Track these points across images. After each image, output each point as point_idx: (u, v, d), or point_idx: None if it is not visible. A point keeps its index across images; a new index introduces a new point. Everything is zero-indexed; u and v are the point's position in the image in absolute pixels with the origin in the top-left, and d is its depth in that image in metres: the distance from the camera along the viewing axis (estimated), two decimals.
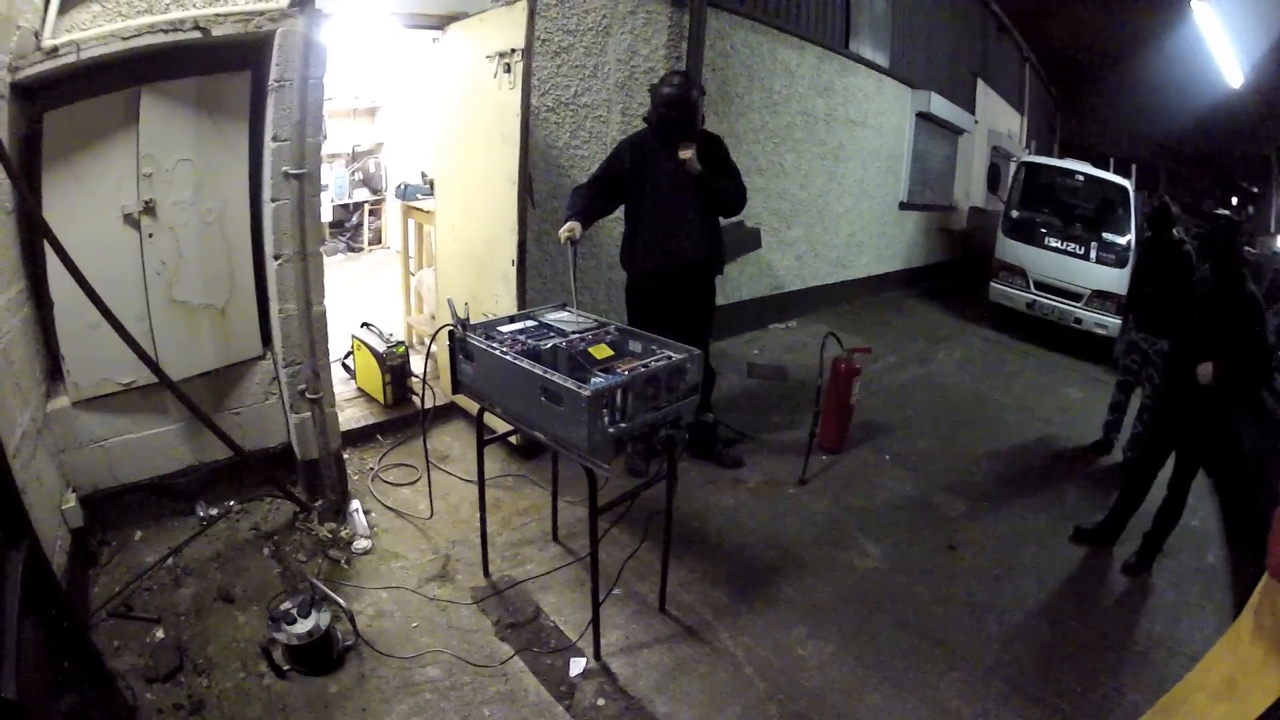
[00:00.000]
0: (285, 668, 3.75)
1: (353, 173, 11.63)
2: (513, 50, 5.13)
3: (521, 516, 5.29)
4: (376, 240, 12.14)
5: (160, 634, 3.89)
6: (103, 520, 4.54)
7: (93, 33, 3.93)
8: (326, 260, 5.39)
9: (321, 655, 3.80)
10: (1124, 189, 11.47)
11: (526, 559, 4.86)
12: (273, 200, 4.63)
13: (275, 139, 4.54)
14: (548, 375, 3.48)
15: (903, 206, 14.04)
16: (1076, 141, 22.74)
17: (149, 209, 4.36)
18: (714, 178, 5.37)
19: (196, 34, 4.18)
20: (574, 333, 4.11)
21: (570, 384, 3.37)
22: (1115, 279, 10.86)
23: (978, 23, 16.73)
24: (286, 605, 3.80)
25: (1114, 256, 11.08)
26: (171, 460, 4.84)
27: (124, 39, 3.98)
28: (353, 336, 6.62)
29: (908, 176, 14.01)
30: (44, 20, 3.83)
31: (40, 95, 4.00)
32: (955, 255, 16.85)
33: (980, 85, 16.96)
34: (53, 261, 3.89)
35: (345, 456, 5.46)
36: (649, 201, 5.41)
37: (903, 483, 6.38)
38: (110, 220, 4.27)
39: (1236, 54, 12.66)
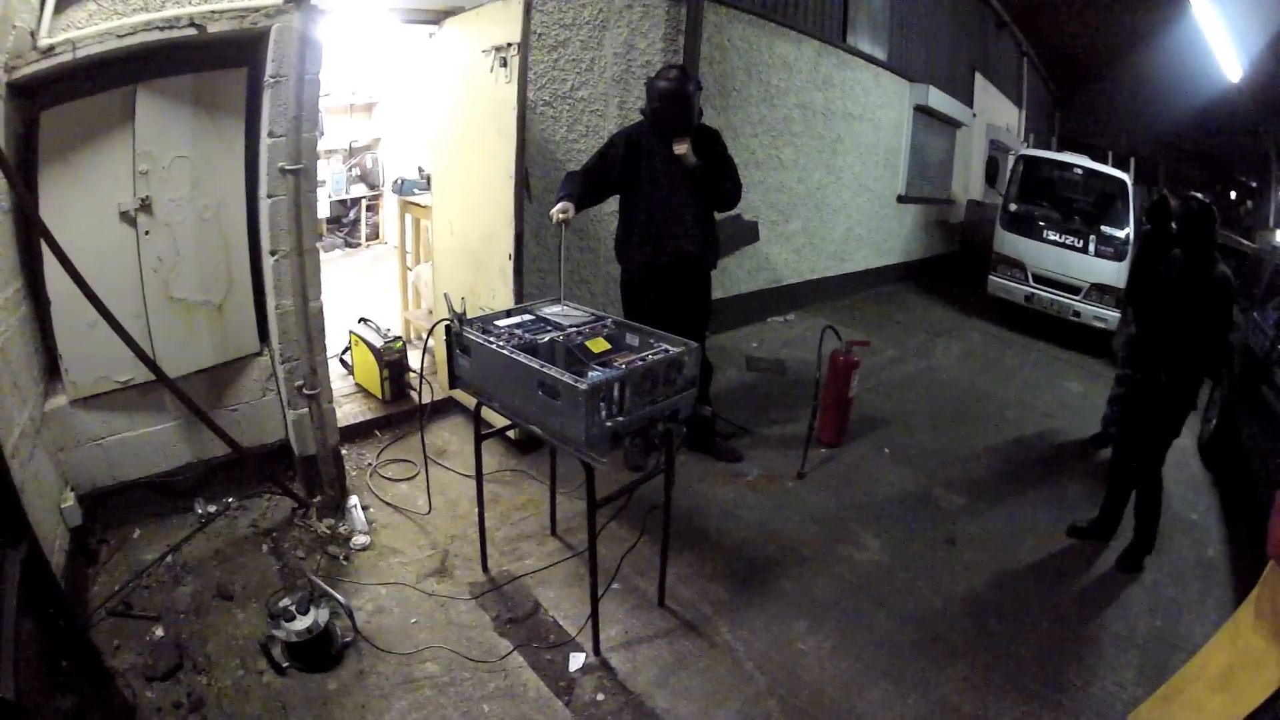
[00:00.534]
0: (284, 665, 3.75)
1: (350, 168, 11.62)
2: (509, 44, 5.12)
3: (520, 511, 5.29)
4: (374, 236, 12.13)
5: (159, 632, 3.88)
6: (101, 518, 4.54)
7: (88, 31, 3.92)
8: (324, 256, 5.40)
9: (321, 652, 3.80)
10: (1123, 182, 11.46)
11: (525, 554, 4.86)
12: (269, 196, 4.62)
13: (271, 135, 4.53)
14: (545, 369, 3.48)
15: (901, 200, 14.03)
16: (1075, 135, 22.75)
17: (145, 206, 4.35)
18: (710, 172, 5.36)
19: (192, 31, 4.17)
20: (571, 326, 4.11)
21: (567, 378, 3.37)
22: (1114, 272, 10.85)
23: (976, 16, 16.72)
24: (285, 602, 3.80)
25: (1113, 250, 11.08)
26: (170, 458, 4.84)
27: (120, 37, 3.97)
28: (350, 332, 6.62)
29: (906, 170, 13.99)
30: (40, 19, 3.82)
31: (37, 94, 4.00)
32: (953, 249, 16.86)
33: (979, 79, 16.95)
34: (50, 260, 3.89)
35: (343, 452, 5.46)
36: (644, 195, 5.40)
37: (902, 477, 6.39)
38: (107, 218, 4.27)
39: (1235, 48, 12.66)
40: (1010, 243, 12.08)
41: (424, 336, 6.79)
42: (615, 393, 3.47)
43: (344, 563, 4.63)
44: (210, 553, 4.58)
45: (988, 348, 11.07)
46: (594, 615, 4.01)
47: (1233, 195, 21.24)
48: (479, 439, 4.36)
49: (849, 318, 11.07)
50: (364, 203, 11.87)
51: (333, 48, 5.25)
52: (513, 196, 5.24)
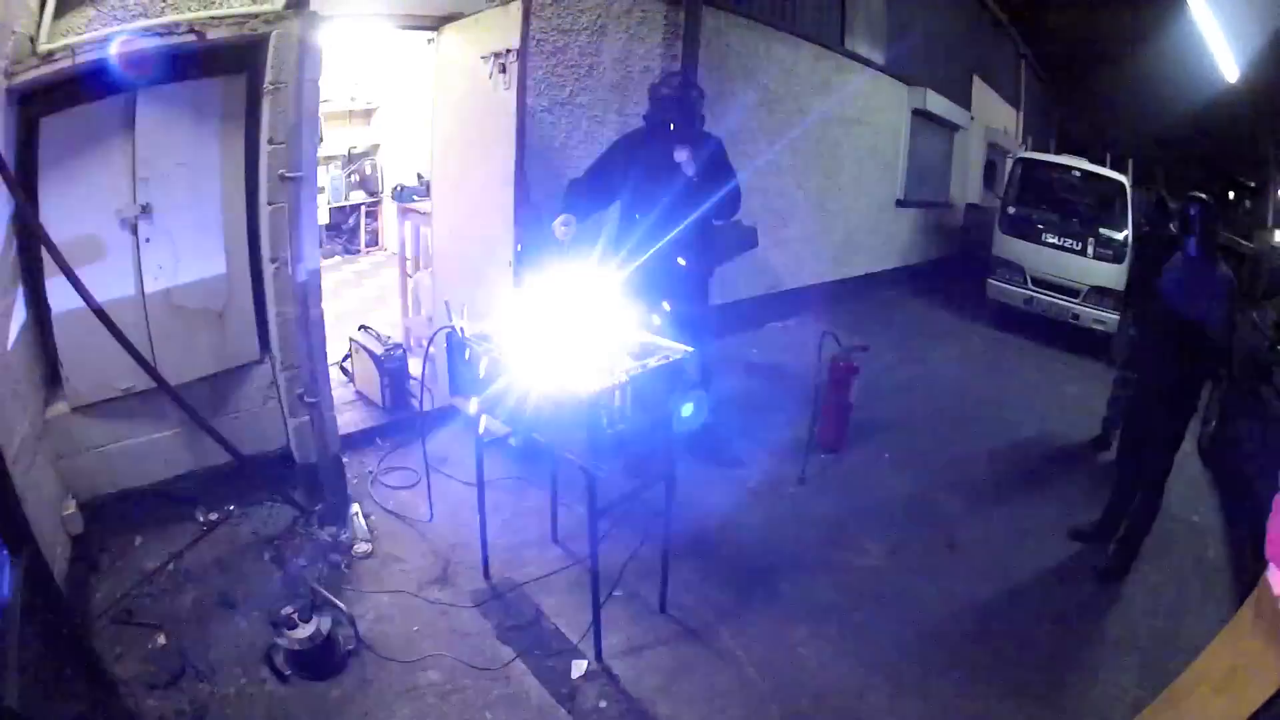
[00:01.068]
0: (287, 673, 3.75)
1: (349, 175, 11.60)
2: (508, 50, 5.12)
3: (521, 519, 5.29)
4: (373, 242, 12.11)
5: (162, 640, 3.88)
6: (103, 526, 4.52)
7: (88, 37, 3.92)
8: (323, 263, 5.39)
9: (323, 660, 3.80)
10: (1121, 184, 11.45)
11: (527, 561, 4.86)
12: (269, 204, 4.63)
13: (271, 142, 4.54)
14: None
15: (899, 204, 14.03)
16: (1073, 137, 22.75)
17: (146, 213, 4.36)
18: (710, 181, 5.36)
19: (191, 38, 4.18)
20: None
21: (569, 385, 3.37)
22: (1113, 274, 10.84)
23: (974, 19, 16.73)
24: (288, 610, 3.79)
25: (1111, 252, 11.06)
26: (171, 465, 4.84)
27: (119, 43, 3.98)
28: (350, 339, 6.61)
29: (904, 174, 13.99)
30: (39, 25, 3.82)
31: (36, 100, 4.00)
32: (952, 252, 16.85)
33: (976, 82, 16.96)
34: (50, 267, 3.89)
35: (344, 460, 5.45)
36: (643, 201, 5.40)
37: (902, 481, 6.39)
38: (107, 225, 4.27)
39: (1232, 49, 12.67)
40: (1009, 246, 12.06)
41: (424, 344, 6.78)
42: (616, 400, 3.47)
43: (346, 570, 4.63)
44: (212, 561, 4.58)
45: (987, 351, 11.07)
46: (596, 622, 4.02)
47: (1231, 195, 21.23)
48: (480, 446, 4.36)
49: (848, 323, 11.03)
50: (363, 209, 11.86)
51: (331, 54, 5.25)
52: (512, 203, 5.24)
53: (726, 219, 5.90)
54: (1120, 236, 11.09)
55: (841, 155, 11.72)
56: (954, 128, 15.73)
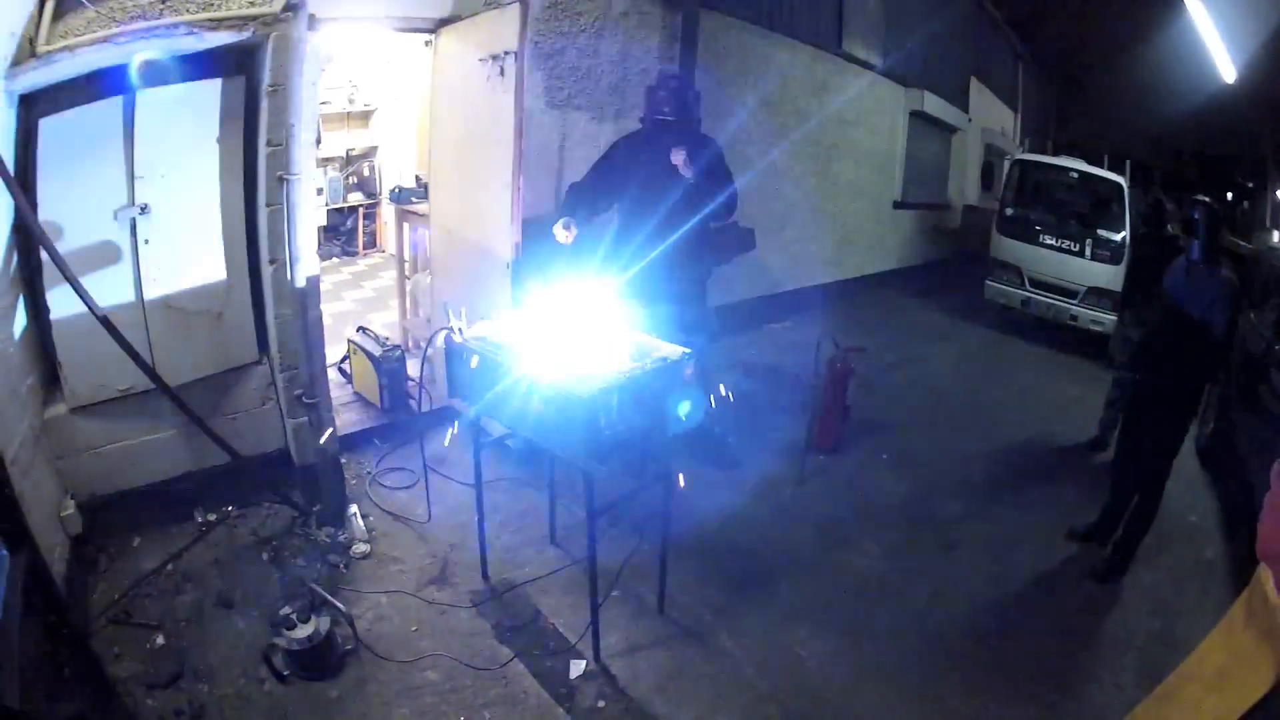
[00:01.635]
0: (286, 673, 3.75)
1: (347, 176, 11.62)
2: (506, 52, 5.13)
3: (519, 519, 5.29)
4: (371, 244, 12.12)
5: (160, 640, 3.89)
6: (101, 527, 4.53)
7: (87, 39, 3.93)
8: (321, 264, 5.40)
9: (322, 660, 3.80)
10: (1118, 185, 11.43)
11: (525, 561, 4.86)
12: (267, 205, 4.64)
13: (269, 144, 4.55)
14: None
15: (897, 206, 14.04)
16: (1071, 138, 22.77)
17: (144, 214, 4.36)
18: (706, 181, 5.36)
19: (190, 39, 4.19)
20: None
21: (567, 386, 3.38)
22: (1111, 275, 10.83)
23: (971, 21, 16.73)
24: (286, 610, 3.80)
25: (1109, 253, 11.05)
26: (169, 466, 4.85)
27: (118, 44, 3.99)
28: (349, 340, 6.62)
29: (902, 175, 14.00)
30: (38, 26, 3.83)
31: (35, 101, 4.01)
32: (950, 254, 16.85)
33: (974, 83, 16.96)
34: (49, 268, 3.90)
35: (343, 461, 5.46)
36: (641, 203, 5.41)
37: (900, 482, 6.39)
38: (106, 226, 4.28)
39: (1229, 50, 12.68)
40: (1006, 247, 12.05)
41: (422, 345, 6.79)
42: (614, 401, 3.48)
43: (344, 571, 4.64)
44: (210, 561, 4.58)
45: (985, 352, 11.06)
46: (594, 622, 4.02)
47: (1229, 196, 21.25)
48: (478, 447, 4.37)
49: (846, 324, 11.03)
50: (361, 211, 11.87)
51: (330, 56, 5.25)
52: (510, 205, 5.24)
53: (724, 221, 5.90)
54: (1118, 238, 11.08)
55: (839, 157, 11.73)
56: (951, 129, 15.75)
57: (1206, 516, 6.31)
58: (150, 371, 4.26)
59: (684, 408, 3.87)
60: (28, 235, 4.01)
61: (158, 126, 4.33)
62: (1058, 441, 7.69)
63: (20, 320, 4.09)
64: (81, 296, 3.87)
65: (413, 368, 6.50)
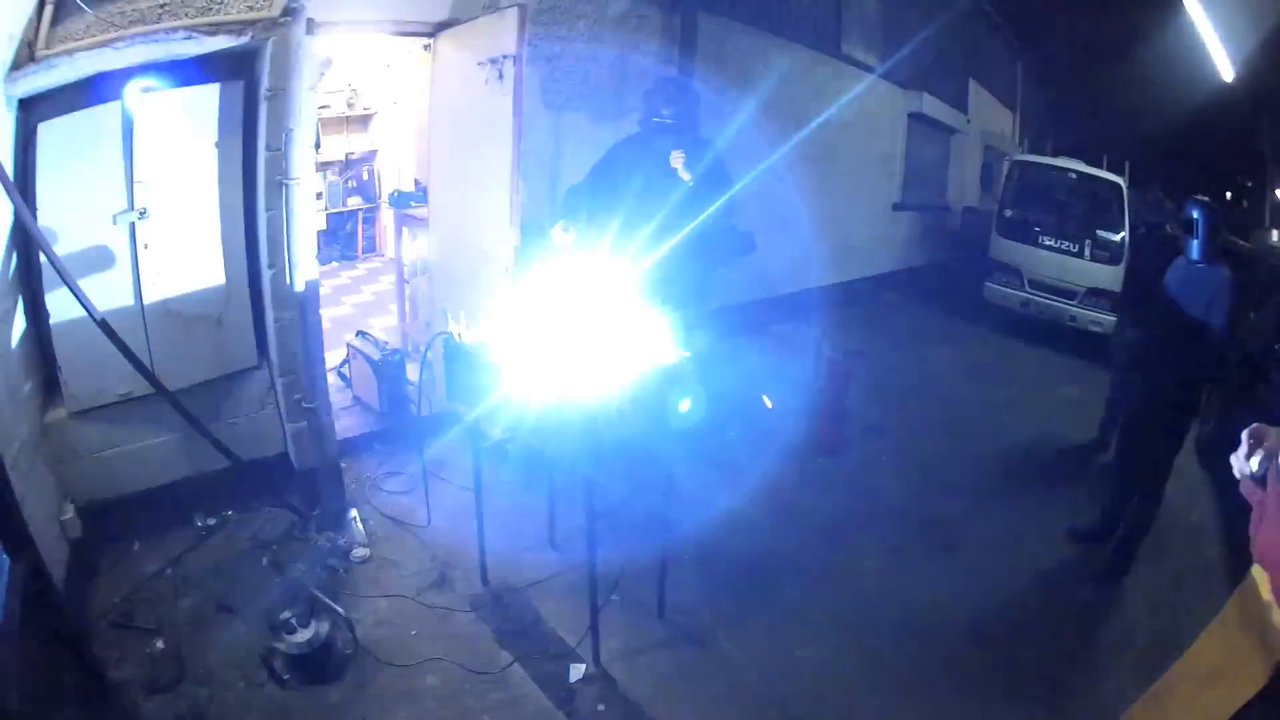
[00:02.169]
0: (286, 677, 3.76)
1: (346, 181, 11.61)
2: (504, 56, 5.13)
3: (519, 523, 5.28)
4: (371, 248, 12.11)
5: (160, 644, 3.88)
6: (101, 531, 4.53)
7: (86, 43, 3.93)
8: (321, 269, 5.40)
9: (322, 664, 3.81)
10: (1117, 186, 11.43)
11: (525, 566, 4.86)
12: (266, 210, 4.64)
13: (268, 148, 4.55)
14: None
15: (896, 208, 14.00)
16: (1070, 139, 22.77)
17: (144, 219, 4.36)
18: (706, 184, 5.34)
19: (189, 44, 4.19)
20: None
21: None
22: (1110, 276, 10.81)
23: (970, 22, 16.73)
24: (286, 614, 3.80)
25: (1108, 254, 11.04)
26: (169, 470, 4.84)
27: (117, 49, 3.99)
28: (348, 345, 6.62)
29: (901, 177, 13.97)
30: (38, 31, 3.83)
31: (35, 106, 4.01)
32: (950, 256, 16.83)
33: (972, 85, 16.95)
34: (48, 272, 3.90)
35: (342, 465, 5.46)
36: (640, 206, 5.40)
37: (900, 484, 6.38)
38: (105, 231, 4.28)
39: (1228, 49, 12.68)
40: (1006, 248, 12.04)
41: (422, 349, 6.79)
42: (614, 405, 3.48)
43: (344, 575, 4.64)
44: (210, 565, 4.59)
45: (984, 354, 11.05)
46: (594, 626, 4.03)
47: (1228, 196, 21.25)
48: (478, 451, 4.37)
49: (846, 326, 11.03)
50: (361, 215, 11.87)
51: (329, 60, 5.26)
52: (509, 208, 5.24)
53: (723, 224, 5.90)
54: (1117, 238, 11.07)
55: (838, 159, 11.71)
56: (950, 131, 15.73)
57: (1206, 516, 6.30)
58: (150, 376, 4.26)
59: (683, 402, 3.87)
60: (27, 239, 4.01)
61: (157, 131, 4.33)
62: (1057, 442, 7.68)
63: (20, 325, 4.09)
64: (80, 301, 3.87)
65: (412, 372, 6.50)
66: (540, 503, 5.24)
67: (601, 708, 3.82)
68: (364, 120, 11.65)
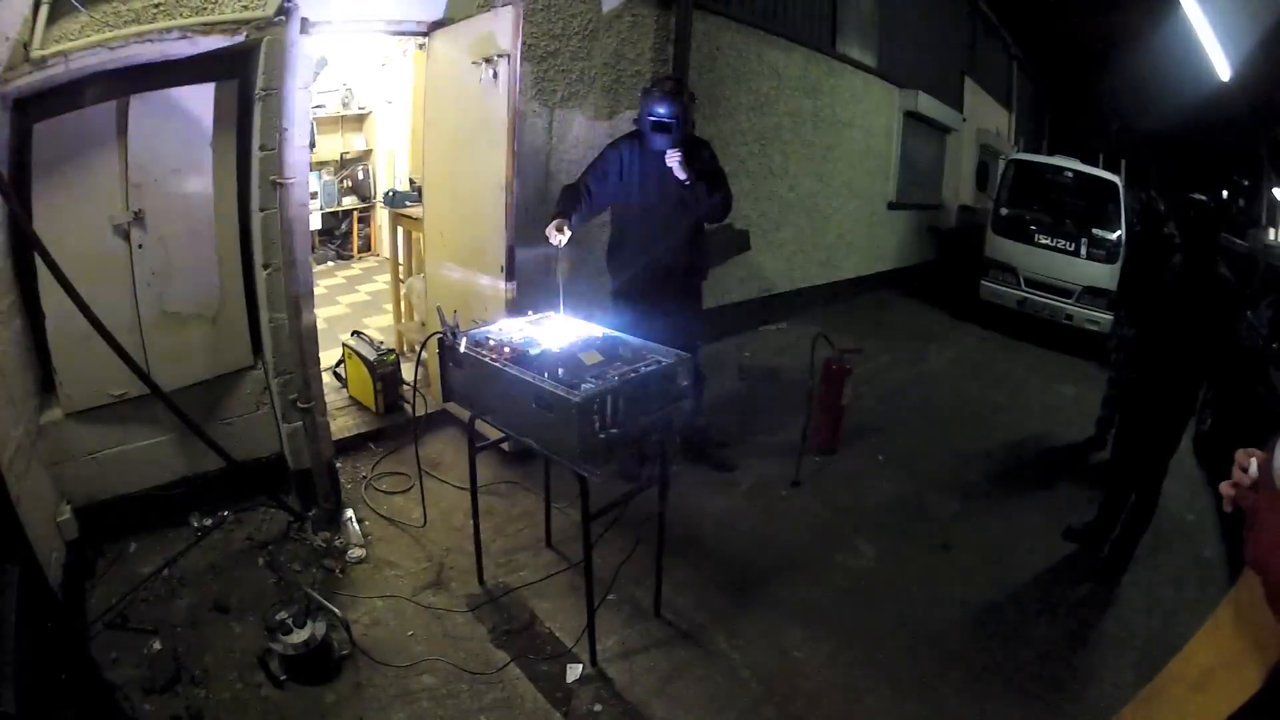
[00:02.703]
0: (282, 677, 3.75)
1: (341, 180, 11.62)
2: (499, 55, 5.12)
3: (515, 523, 5.29)
4: (366, 248, 12.13)
5: (157, 645, 3.88)
6: (98, 532, 4.53)
7: (81, 43, 3.93)
8: (316, 268, 5.40)
9: (318, 665, 3.80)
10: (1113, 184, 11.46)
11: (521, 565, 4.86)
12: (261, 209, 4.64)
13: (263, 148, 4.55)
14: (538, 382, 3.48)
15: (891, 206, 14.03)
16: (1065, 137, 22.79)
17: (139, 219, 4.36)
18: (701, 184, 5.35)
19: (184, 44, 4.19)
20: (564, 339, 4.11)
21: (560, 390, 3.37)
22: (1106, 275, 10.85)
23: (965, 21, 16.76)
24: (282, 615, 3.79)
25: (1104, 252, 11.07)
26: (165, 471, 4.84)
27: (112, 49, 3.98)
28: (343, 345, 6.62)
29: (896, 176, 14.00)
30: (33, 31, 3.82)
31: (29, 106, 4.00)
32: (945, 254, 16.85)
33: (968, 83, 16.99)
34: (44, 274, 3.89)
35: (338, 465, 5.46)
36: (636, 206, 5.41)
37: (896, 483, 6.39)
38: (100, 231, 4.27)
39: (1224, 48, 12.69)
40: (1001, 247, 12.06)
41: (417, 349, 6.79)
42: (608, 405, 3.47)
43: (340, 575, 4.63)
44: (206, 566, 4.58)
45: (981, 352, 11.07)
46: (590, 626, 4.02)
47: (1225, 194, 21.29)
48: (473, 451, 4.37)
49: (841, 325, 11.03)
50: (356, 215, 11.88)
51: (324, 60, 5.25)
52: (504, 207, 5.24)
53: (718, 222, 5.91)
54: (1113, 237, 11.11)
55: (833, 158, 11.73)
56: (946, 129, 15.75)
57: (1204, 515, 6.32)
58: (145, 377, 4.26)
59: (679, 411, 3.87)
60: (22, 241, 4.00)
61: (151, 131, 4.32)
62: (1054, 441, 7.70)
63: (15, 326, 4.08)
64: (76, 302, 3.86)
65: (407, 371, 6.51)
66: (536, 502, 5.24)
67: (598, 708, 3.82)
68: (359, 120, 11.68)
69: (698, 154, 5.41)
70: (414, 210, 7.42)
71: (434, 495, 5.43)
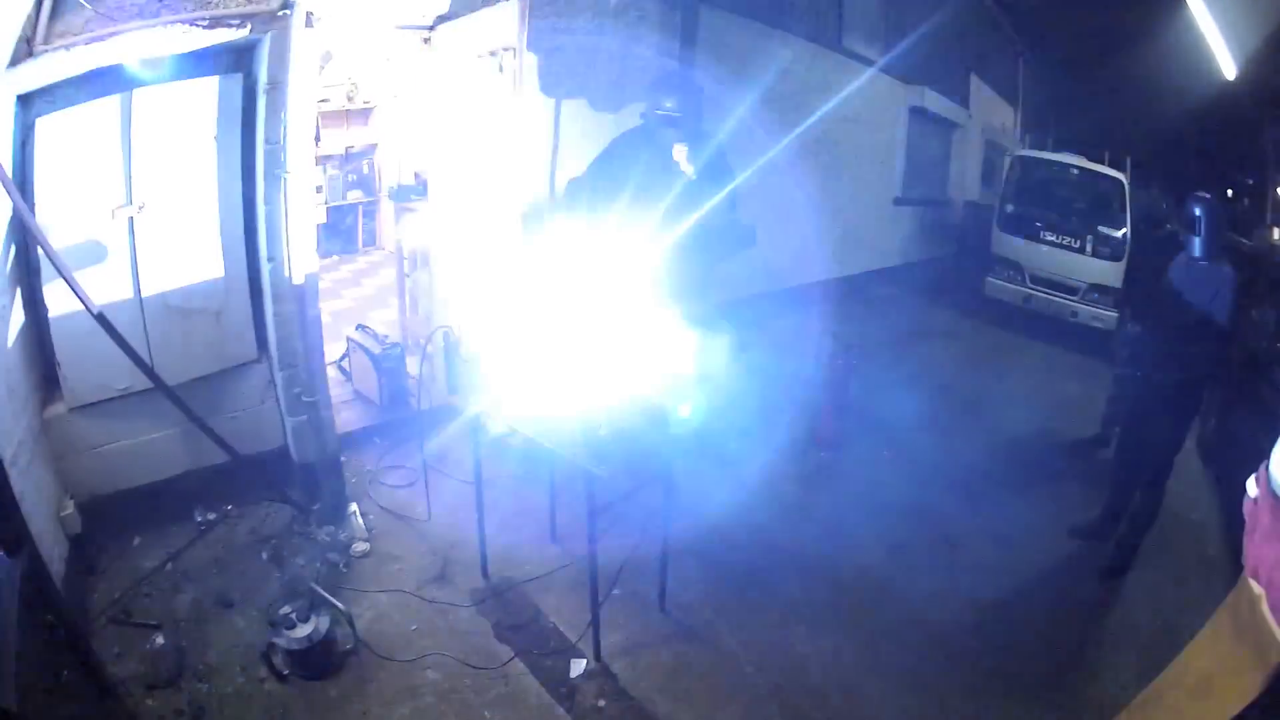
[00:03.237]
0: (286, 672, 3.75)
1: (346, 174, 11.61)
2: (505, 49, 5.11)
3: (520, 518, 5.27)
4: (371, 242, 12.12)
5: (160, 640, 3.88)
6: (101, 526, 4.53)
7: (85, 38, 3.92)
8: (321, 262, 5.39)
9: (322, 659, 3.80)
10: (1119, 182, 11.41)
11: (525, 560, 4.85)
12: (265, 203, 4.63)
13: (267, 141, 4.54)
14: None
15: (897, 202, 13.98)
16: (1071, 134, 22.74)
17: (142, 213, 4.35)
18: (707, 177, 5.33)
19: (187, 37, 4.18)
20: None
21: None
22: (1111, 272, 10.80)
23: (971, 17, 16.70)
24: (286, 609, 3.79)
25: (1110, 249, 11.02)
26: (168, 465, 4.84)
27: (115, 43, 3.98)
28: (348, 338, 6.61)
29: (902, 172, 13.95)
30: (36, 26, 3.82)
31: (33, 100, 4.00)
32: (951, 251, 16.81)
33: (974, 80, 16.92)
34: (47, 267, 3.89)
35: (342, 459, 5.45)
36: (643, 200, 5.39)
37: (901, 479, 6.37)
38: (103, 225, 4.27)
39: (1230, 46, 12.66)
40: (1007, 244, 12.02)
41: (422, 343, 6.78)
42: (615, 401, 3.47)
43: (344, 570, 4.63)
44: (210, 560, 4.58)
45: (986, 349, 11.04)
46: (595, 621, 4.02)
47: (1230, 193, 21.23)
48: (478, 445, 4.36)
49: (847, 321, 11.03)
50: (361, 209, 11.87)
51: (329, 54, 5.24)
52: (510, 201, 5.23)
53: (724, 217, 5.89)
54: (1119, 234, 11.05)
55: (839, 154, 11.69)
56: (952, 126, 15.70)
57: (1208, 514, 6.28)
58: (149, 370, 4.25)
59: (684, 407, 3.86)
60: (25, 234, 4.00)
61: (155, 125, 4.32)
62: (1059, 439, 7.67)
63: (18, 320, 4.08)
64: (78, 295, 3.86)
65: (412, 365, 6.49)
66: (541, 497, 5.23)
67: (602, 703, 3.81)
68: (364, 114, 11.65)
69: (704, 147, 5.39)
70: (420, 204, 7.40)
71: (439, 489, 5.42)
